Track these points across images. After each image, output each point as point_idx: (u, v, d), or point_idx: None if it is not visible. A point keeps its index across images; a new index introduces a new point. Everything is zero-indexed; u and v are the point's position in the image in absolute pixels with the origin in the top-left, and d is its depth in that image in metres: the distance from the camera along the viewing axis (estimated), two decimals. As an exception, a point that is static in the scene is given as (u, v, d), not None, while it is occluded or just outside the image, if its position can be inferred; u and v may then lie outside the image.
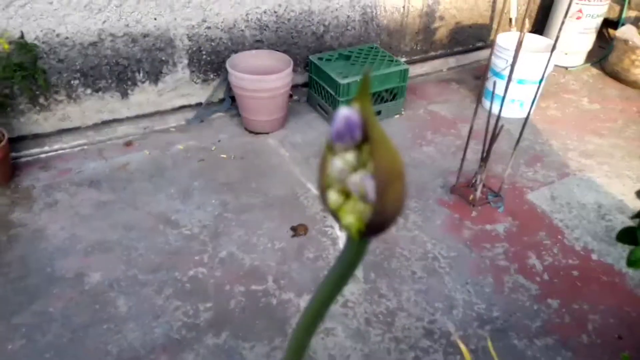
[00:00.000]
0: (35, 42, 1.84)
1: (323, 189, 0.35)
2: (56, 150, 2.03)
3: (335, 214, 0.36)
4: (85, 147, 2.07)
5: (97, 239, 1.64)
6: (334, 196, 0.35)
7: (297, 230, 1.71)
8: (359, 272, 1.56)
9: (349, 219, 0.35)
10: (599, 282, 1.57)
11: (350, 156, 0.34)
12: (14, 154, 1.93)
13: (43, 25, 1.83)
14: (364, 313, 1.44)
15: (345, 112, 0.32)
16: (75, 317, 1.39)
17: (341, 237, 1.69)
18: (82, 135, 2.09)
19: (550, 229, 1.77)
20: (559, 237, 1.74)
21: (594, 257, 1.66)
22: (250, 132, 2.22)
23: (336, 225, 1.74)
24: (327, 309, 0.47)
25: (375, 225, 0.35)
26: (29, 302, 1.42)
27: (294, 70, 2.39)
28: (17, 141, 1.97)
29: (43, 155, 2.00)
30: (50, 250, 1.59)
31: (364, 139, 0.34)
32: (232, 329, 1.38)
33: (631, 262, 0.87)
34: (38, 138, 2.02)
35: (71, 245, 1.61)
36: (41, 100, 1.96)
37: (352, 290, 1.51)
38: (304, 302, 1.46)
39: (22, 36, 1.79)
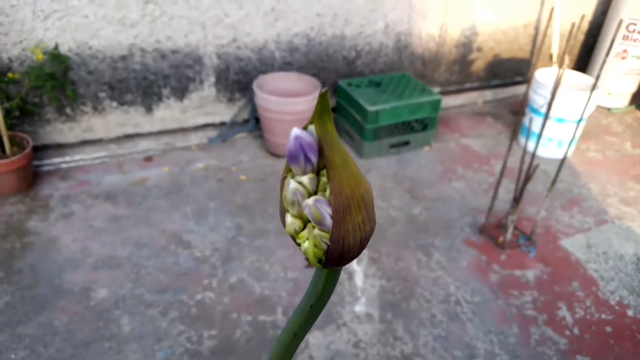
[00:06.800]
0: (68, 53, 1.85)
1: (282, 211, 0.34)
2: (77, 161, 2.02)
3: (294, 239, 0.34)
4: (106, 159, 2.06)
5: (107, 254, 1.60)
6: (289, 219, 0.33)
7: (312, 261, 1.63)
8: (374, 311, 1.47)
9: (305, 245, 0.33)
10: (634, 341, 1.44)
11: (306, 179, 0.31)
12: (36, 162, 1.93)
13: (77, 37, 1.84)
14: (376, 355, 1.35)
15: (297, 133, 0.29)
16: (78, 333, 1.35)
17: (358, 272, 1.60)
18: (103, 147, 2.08)
19: (584, 280, 1.65)
20: (593, 288, 1.62)
21: (630, 313, 1.54)
22: (273, 154, 2.18)
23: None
24: (297, 343, 0.43)
25: (334, 254, 0.32)
26: (35, 313, 1.39)
27: (323, 95, 2.34)
28: (41, 150, 1.97)
29: (64, 166, 1.99)
30: (60, 262, 1.56)
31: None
32: (235, 361, 1.30)
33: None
34: (61, 148, 2.02)
35: (81, 258, 1.57)
36: (67, 110, 1.97)
37: (365, 330, 1.42)
38: (313, 338, 1.38)
39: (56, 47, 1.81)
